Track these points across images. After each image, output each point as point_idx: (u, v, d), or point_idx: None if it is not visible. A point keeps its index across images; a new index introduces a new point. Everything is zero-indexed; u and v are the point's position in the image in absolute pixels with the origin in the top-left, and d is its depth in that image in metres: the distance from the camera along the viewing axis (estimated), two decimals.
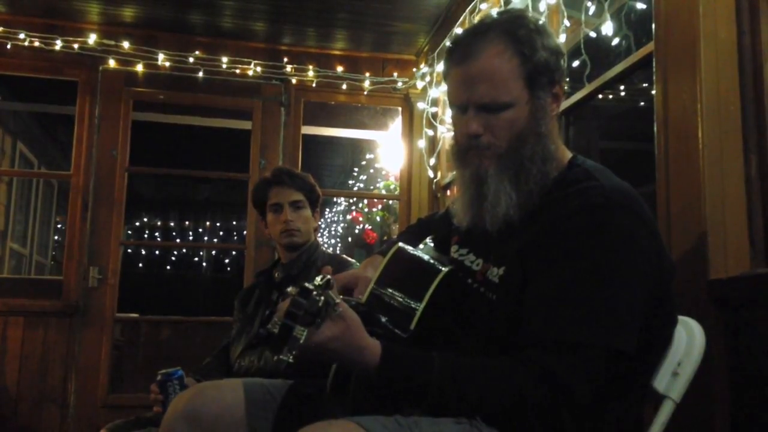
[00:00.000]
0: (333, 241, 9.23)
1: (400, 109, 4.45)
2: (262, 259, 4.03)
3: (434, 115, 3.86)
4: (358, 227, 7.18)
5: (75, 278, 3.88)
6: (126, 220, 4.29)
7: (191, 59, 4.05)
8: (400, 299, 1.24)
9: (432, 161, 3.97)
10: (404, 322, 1.21)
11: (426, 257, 1.35)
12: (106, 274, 3.91)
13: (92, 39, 3.94)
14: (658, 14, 1.90)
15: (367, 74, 4.27)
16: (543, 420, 1.08)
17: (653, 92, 1.90)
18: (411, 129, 4.35)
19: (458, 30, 3.25)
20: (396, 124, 4.74)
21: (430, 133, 3.99)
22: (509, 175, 1.24)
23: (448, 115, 3.51)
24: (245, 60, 4.11)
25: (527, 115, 1.25)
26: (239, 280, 4.27)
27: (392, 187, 5.64)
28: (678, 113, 1.78)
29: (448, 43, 2.18)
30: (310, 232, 2.45)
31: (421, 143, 4.14)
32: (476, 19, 3.04)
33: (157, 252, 11.17)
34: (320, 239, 2.73)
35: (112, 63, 3.97)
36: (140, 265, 10.81)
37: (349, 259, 2.49)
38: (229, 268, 11.24)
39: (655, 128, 1.86)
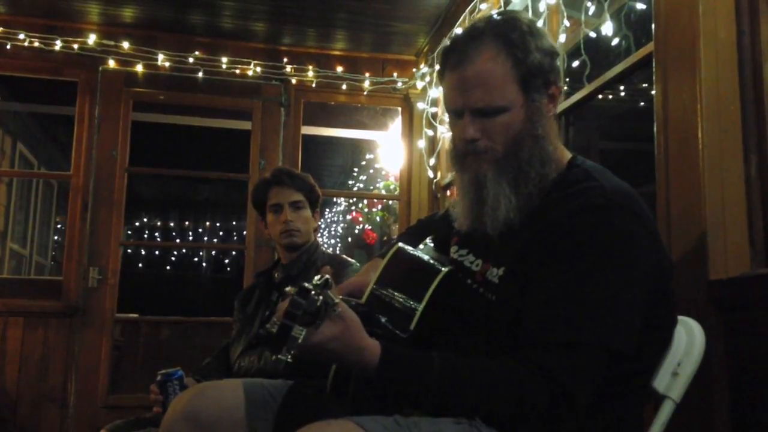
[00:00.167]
0: (333, 241, 9.23)
1: (399, 109, 4.45)
2: (261, 260, 4.03)
3: (434, 115, 3.86)
4: (358, 227, 7.19)
5: (75, 278, 3.88)
6: (126, 220, 4.29)
7: (191, 59, 4.04)
8: (400, 299, 1.24)
9: (432, 161, 3.97)
10: (404, 323, 1.21)
11: (426, 257, 1.35)
12: (105, 274, 3.91)
13: (92, 39, 3.94)
14: (658, 14, 1.90)
15: (367, 74, 4.27)
16: (542, 420, 1.09)
17: (653, 92, 1.90)
18: (411, 129, 4.35)
19: (458, 30, 3.24)
20: (396, 125, 4.74)
21: (430, 133, 3.99)
22: (508, 179, 1.24)
23: (447, 115, 3.50)
24: (245, 60, 4.11)
25: (523, 118, 1.25)
26: (239, 281, 4.26)
27: (392, 187, 5.64)
28: (678, 113, 1.78)
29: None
30: (310, 232, 2.45)
31: (421, 143, 4.14)
32: (476, 19, 3.04)
33: (156, 252, 11.18)
34: (320, 239, 2.73)
35: (111, 63, 3.97)
36: (140, 265, 10.81)
37: (349, 259, 2.49)
38: (229, 269, 11.24)
39: (655, 128, 1.86)
